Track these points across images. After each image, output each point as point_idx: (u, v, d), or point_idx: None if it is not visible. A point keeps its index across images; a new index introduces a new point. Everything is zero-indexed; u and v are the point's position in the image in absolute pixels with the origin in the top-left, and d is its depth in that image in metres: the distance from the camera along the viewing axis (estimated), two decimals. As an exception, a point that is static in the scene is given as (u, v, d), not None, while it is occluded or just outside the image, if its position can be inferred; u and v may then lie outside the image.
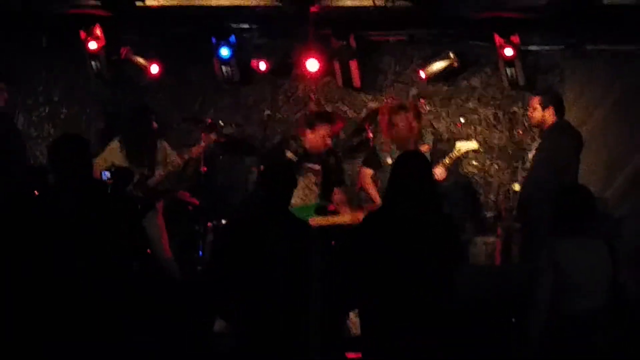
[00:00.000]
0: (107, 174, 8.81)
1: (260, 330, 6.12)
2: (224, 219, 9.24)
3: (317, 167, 8.60)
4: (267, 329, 6.11)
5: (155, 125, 9.18)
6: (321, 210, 8.34)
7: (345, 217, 8.31)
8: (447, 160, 8.72)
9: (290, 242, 6.17)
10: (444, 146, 9.87)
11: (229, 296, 6.26)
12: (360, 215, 8.21)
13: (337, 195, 8.66)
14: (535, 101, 8.69)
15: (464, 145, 8.95)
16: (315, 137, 8.51)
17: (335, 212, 8.41)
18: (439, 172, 8.56)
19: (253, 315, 6.14)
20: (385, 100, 10.23)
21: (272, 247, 6.13)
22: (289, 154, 8.51)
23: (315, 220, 8.21)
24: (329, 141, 8.55)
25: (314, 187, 8.59)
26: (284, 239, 6.16)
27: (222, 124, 9.62)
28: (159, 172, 9.03)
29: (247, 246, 6.19)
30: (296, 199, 8.36)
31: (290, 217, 6.39)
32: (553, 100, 8.71)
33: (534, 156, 8.70)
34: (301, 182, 8.35)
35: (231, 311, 6.27)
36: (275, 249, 6.12)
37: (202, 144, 9.27)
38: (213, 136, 9.28)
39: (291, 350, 6.11)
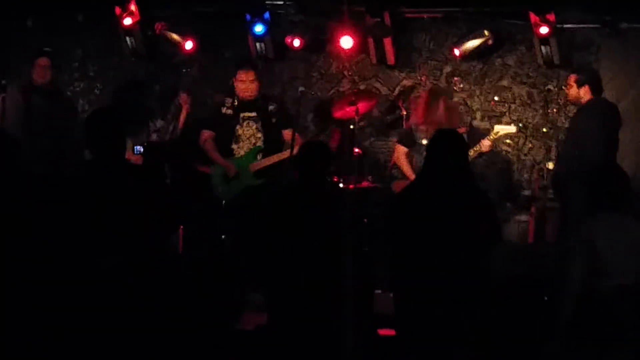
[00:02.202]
0: (139, 149, 8.89)
1: (294, 304, 6.15)
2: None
3: (252, 114, 9.20)
4: (300, 303, 6.14)
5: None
6: (258, 152, 9.06)
7: (285, 153, 8.81)
8: (485, 143, 8.80)
9: (322, 214, 6.20)
10: (478, 124, 9.90)
11: (264, 270, 6.29)
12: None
13: (288, 135, 9.04)
14: (572, 79, 8.67)
15: (503, 129, 9.00)
16: (238, 85, 9.21)
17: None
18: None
19: (287, 288, 6.17)
20: (418, 77, 10.22)
21: (305, 219, 6.16)
22: (224, 110, 9.27)
23: (258, 165, 8.96)
24: (250, 85, 9.19)
25: (259, 134, 9.18)
26: (317, 212, 6.19)
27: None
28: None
29: (280, 219, 6.23)
30: (244, 150, 9.03)
31: (324, 190, 6.43)
32: (589, 78, 8.66)
33: (565, 134, 8.67)
34: (245, 132, 9.19)
35: (266, 284, 6.30)
36: (308, 221, 6.15)
37: None
38: None
39: (325, 323, 6.14)
